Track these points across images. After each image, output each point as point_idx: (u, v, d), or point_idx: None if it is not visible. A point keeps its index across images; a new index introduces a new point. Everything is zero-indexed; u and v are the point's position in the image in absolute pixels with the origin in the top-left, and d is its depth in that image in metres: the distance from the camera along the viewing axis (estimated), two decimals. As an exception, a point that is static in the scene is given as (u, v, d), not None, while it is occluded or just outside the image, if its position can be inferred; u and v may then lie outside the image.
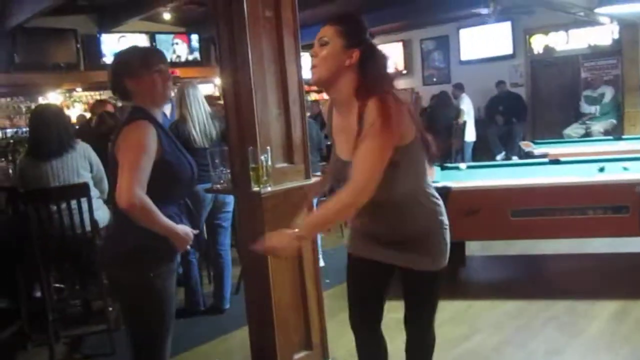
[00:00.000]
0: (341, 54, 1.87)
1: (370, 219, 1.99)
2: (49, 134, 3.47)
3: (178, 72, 8.47)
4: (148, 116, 2.05)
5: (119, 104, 9.78)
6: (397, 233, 1.99)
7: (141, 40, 9.55)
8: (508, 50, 10.24)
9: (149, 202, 1.93)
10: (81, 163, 3.53)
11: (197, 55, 10.31)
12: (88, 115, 8.06)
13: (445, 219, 2.04)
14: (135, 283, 2.03)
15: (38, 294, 3.70)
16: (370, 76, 1.88)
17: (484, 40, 10.48)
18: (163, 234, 2.00)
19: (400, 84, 11.59)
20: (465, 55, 10.86)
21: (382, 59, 1.93)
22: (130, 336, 2.15)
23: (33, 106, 8.76)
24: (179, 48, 10.03)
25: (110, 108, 6.56)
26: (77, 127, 7.15)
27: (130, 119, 2.05)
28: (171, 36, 10.00)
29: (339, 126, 2.01)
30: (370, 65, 1.88)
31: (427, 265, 2.00)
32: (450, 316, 3.62)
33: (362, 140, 1.80)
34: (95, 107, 6.64)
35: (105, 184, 3.68)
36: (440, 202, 2.06)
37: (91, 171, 3.58)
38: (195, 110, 3.80)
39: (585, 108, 8.72)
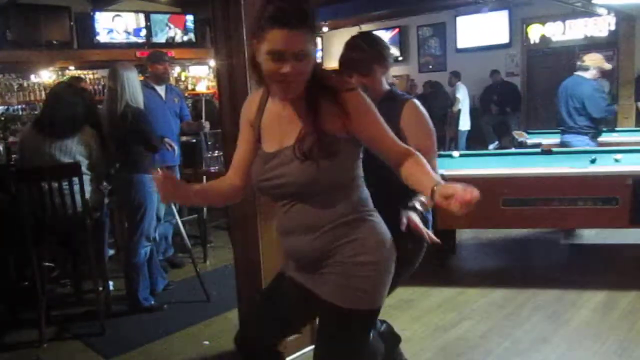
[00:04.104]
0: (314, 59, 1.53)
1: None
2: (60, 116, 3.43)
3: (173, 53, 8.37)
4: None
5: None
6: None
7: (136, 20, 9.44)
8: (505, 39, 10.20)
9: None
10: (78, 149, 3.46)
11: (192, 36, 10.21)
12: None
13: None
14: None
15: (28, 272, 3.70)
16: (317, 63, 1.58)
17: (480, 29, 10.44)
18: None
19: (396, 70, 11.56)
20: (461, 43, 10.81)
21: None
22: None
23: (25, 84, 8.69)
24: (174, 29, 9.92)
25: (85, 85, 6.44)
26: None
27: None
28: (167, 16, 9.88)
29: (274, 115, 1.66)
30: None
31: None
32: (439, 303, 3.65)
33: (377, 122, 1.58)
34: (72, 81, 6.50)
35: (102, 169, 3.63)
36: None
37: (90, 157, 3.53)
38: (137, 96, 3.61)
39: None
